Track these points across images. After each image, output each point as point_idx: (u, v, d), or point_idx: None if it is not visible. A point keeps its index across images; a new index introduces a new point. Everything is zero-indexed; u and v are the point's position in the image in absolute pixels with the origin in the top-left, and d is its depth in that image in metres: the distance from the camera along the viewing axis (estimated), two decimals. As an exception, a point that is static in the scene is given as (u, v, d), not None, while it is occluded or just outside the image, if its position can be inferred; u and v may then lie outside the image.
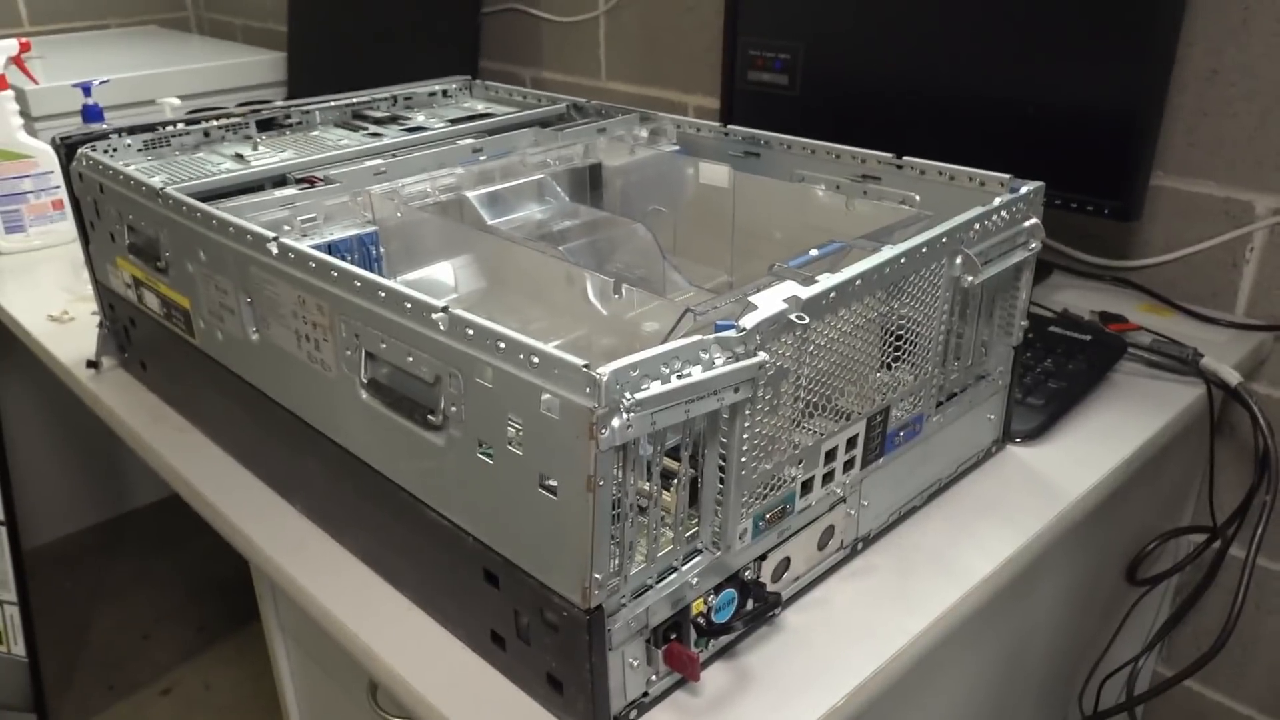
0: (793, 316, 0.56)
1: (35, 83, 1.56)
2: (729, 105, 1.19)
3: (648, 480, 0.55)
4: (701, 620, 0.60)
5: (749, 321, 0.54)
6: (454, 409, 0.58)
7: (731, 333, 0.54)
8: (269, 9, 2.19)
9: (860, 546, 0.72)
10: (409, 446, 0.63)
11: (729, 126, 0.91)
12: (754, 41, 1.16)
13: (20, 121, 1.29)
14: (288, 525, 0.77)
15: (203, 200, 0.78)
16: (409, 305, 0.59)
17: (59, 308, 1.14)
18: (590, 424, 0.49)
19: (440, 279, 0.84)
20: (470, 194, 0.88)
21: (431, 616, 0.68)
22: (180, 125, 0.94)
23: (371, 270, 0.77)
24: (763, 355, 0.55)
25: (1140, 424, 0.86)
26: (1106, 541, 0.94)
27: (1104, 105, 0.93)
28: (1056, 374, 0.91)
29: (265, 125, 0.99)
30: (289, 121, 1.00)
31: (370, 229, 0.84)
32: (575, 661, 0.56)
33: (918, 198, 0.80)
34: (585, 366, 0.49)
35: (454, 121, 1.01)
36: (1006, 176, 0.74)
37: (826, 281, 0.59)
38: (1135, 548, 1.01)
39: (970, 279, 0.68)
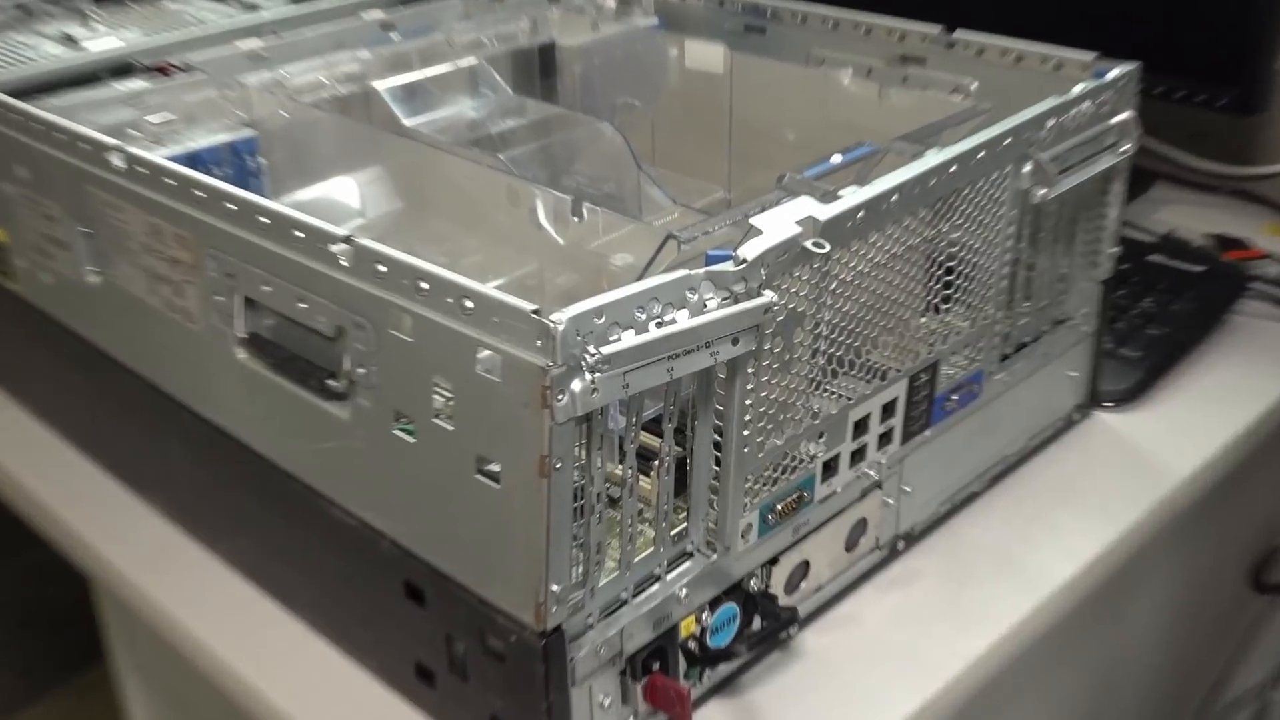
0: (809, 244, 0.57)
1: None
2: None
3: (620, 462, 0.55)
4: (693, 645, 0.61)
5: (751, 250, 0.54)
6: (362, 371, 0.58)
7: (728, 265, 0.54)
8: None
9: (901, 546, 0.73)
10: (303, 422, 0.63)
11: (724, -8, 0.91)
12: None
13: None
14: (142, 530, 0.77)
15: (20, 97, 0.77)
16: (300, 234, 0.59)
17: None
18: (543, 388, 0.49)
19: (341, 199, 0.83)
20: (380, 85, 0.87)
21: (336, 646, 0.68)
22: (-15, -4, 0.93)
23: (249, 188, 0.77)
24: (769, 295, 0.55)
25: (1267, 382, 0.87)
26: (1223, 536, 0.96)
27: (1221, -40, 0.93)
28: (1158, 317, 0.92)
29: (101, -5, 0.98)
30: (133, -10, 0.99)
31: (246, 133, 0.83)
32: (527, 701, 0.56)
33: (974, 85, 0.80)
34: (535, 312, 0.49)
35: (356, -12, 1.01)
36: (1091, 56, 0.75)
37: (853, 197, 0.59)
38: (1261, 544, 1.03)
39: (1043, 192, 0.69)
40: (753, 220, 0.56)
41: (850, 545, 0.69)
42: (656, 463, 0.57)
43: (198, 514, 0.76)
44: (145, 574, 0.74)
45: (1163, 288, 0.95)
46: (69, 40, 0.90)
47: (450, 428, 0.54)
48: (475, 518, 0.55)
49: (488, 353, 0.51)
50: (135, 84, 0.83)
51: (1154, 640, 0.91)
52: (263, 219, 0.60)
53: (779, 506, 0.62)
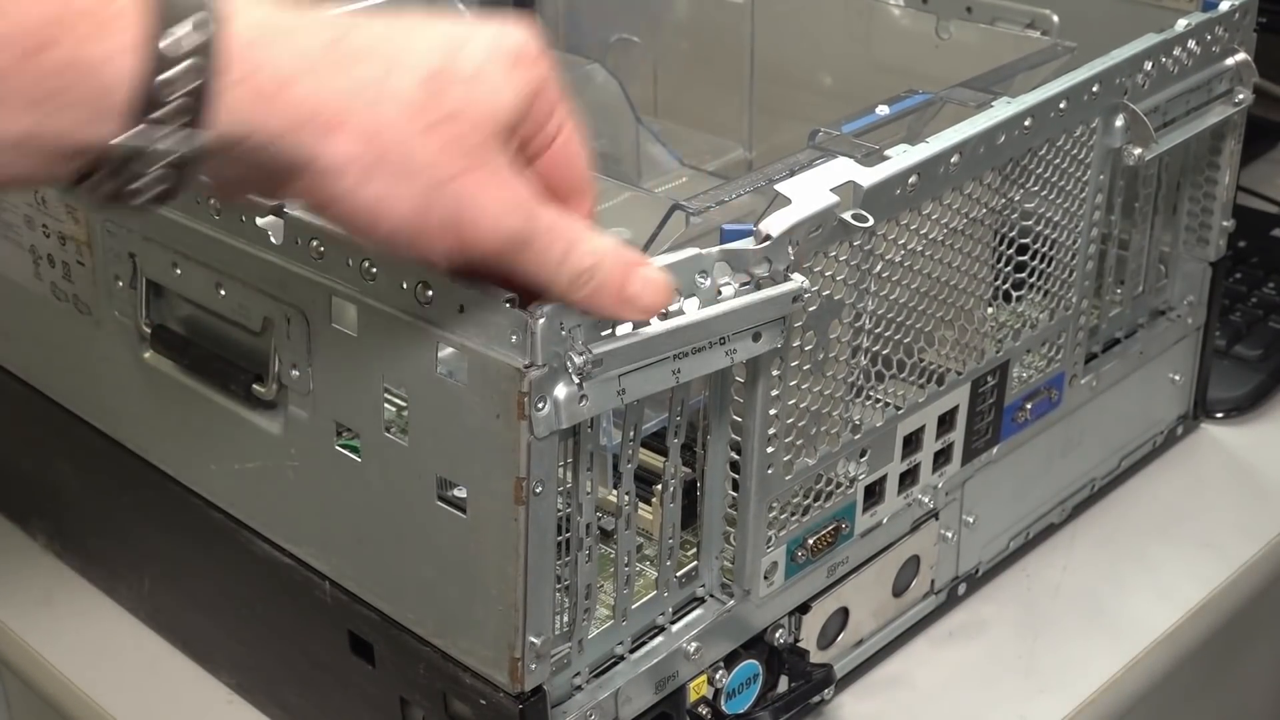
0: (848, 216, 0.57)
1: None
2: None
3: (615, 486, 0.56)
4: (705, 711, 0.61)
5: (777, 225, 0.55)
6: (295, 374, 0.58)
7: (749, 243, 0.54)
8: None
9: (962, 590, 0.73)
10: (223, 436, 0.63)
11: (744, -97, 0.91)
12: None
13: None
14: (24, 568, 0.77)
15: None
16: (218, 204, 0.59)
17: None
18: (519, 394, 0.49)
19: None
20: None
21: (265, 713, 0.68)
22: None
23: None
24: (800, 280, 0.55)
25: None
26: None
27: None
28: (1281, 307, 0.92)
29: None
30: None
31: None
32: (501, 781, 0.56)
33: (1055, 19, 0.80)
34: (509, 301, 0.49)
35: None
36: (1198, -18, 0.75)
37: (903, 158, 0.60)
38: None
39: (1139, 153, 0.69)
40: (778, 187, 0.57)
41: (899, 590, 0.69)
42: (660, 487, 0.58)
43: (91, 549, 0.76)
44: (24, 619, 0.74)
45: (1287, 270, 0.95)
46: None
47: (405, 444, 0.54)
48: (436, 554, 0.55)
49: (451, 351, 0.51)
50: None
51: (1274, 705, 0.92)
52: (172, 185, 0.60)
53: (811, 541, 0.63)
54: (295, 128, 0.42)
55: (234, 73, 0.41)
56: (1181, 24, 0.71)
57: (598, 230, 0.49)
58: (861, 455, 0.63)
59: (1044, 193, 0.66)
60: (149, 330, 0.65)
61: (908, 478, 0.67)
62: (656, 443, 0.59)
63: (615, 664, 0.58)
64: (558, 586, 0.54)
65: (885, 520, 0.66)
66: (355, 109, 0.43)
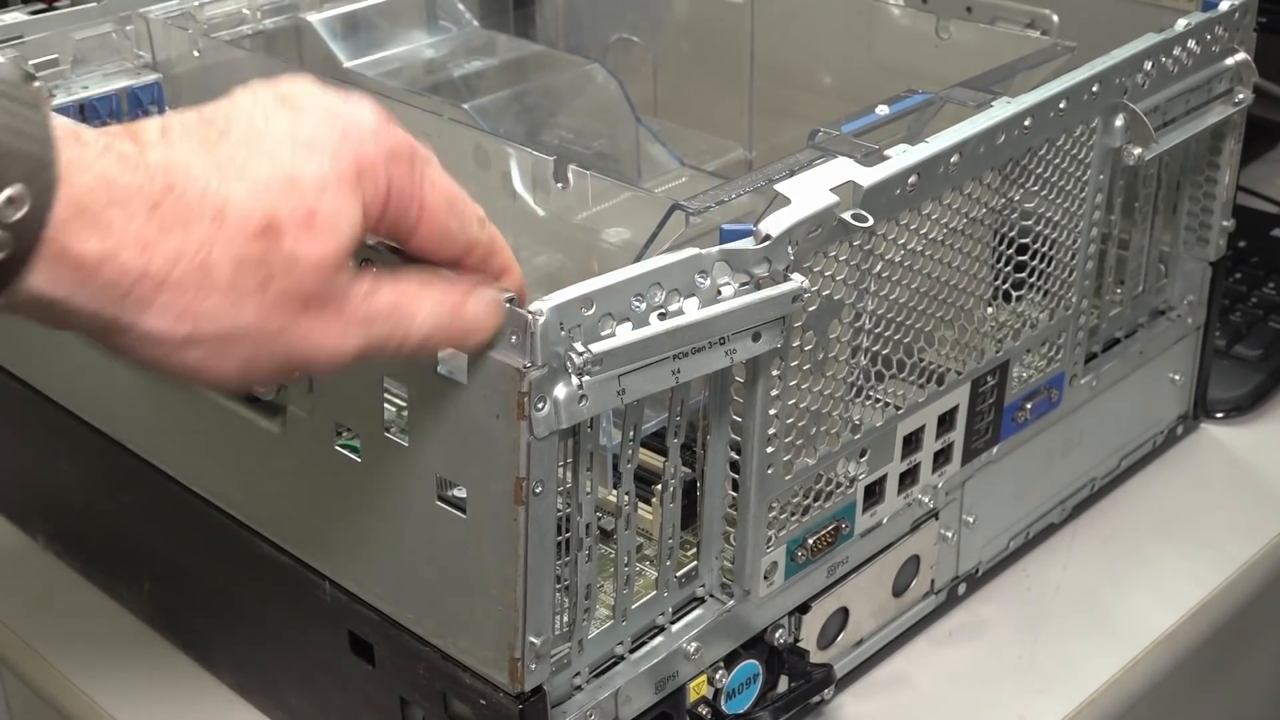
0: (848, 216, 0.57)
1: None
2: None
3: (614, 486, 0.56)
4: (705, 711, 0.61)
5: (777, 225, 0.55)
6: (295, 373, 0.58)
7: (748, 243, 0.54)
8: None
9: (962, 590, 0.73)
10: (223, 436, 0.63)
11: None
12: None
13: None
14: (23, 567, 0.77)
15: None
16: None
17: None
18: (519, 394, 0.49)
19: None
20: (314, 17, 0.87)
21: (265, 713, 0.68)
22: None
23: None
24: (799, 280, 0.55)
25: None
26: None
27: None
28: (1282, 306, 0.92)
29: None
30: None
31: (150, 78, 0.83)
32: (500, 781, 0.57)
33: (1055, 19, 0.80)
34: (509, 300, 0.49)
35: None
36: (1198, -19, 0.75)
37: (903, 158, 0.60)
38: None
39: (1139, 152, 0.69)
40: (778, 187, 0.57)
41: (899, 590, 0.69)
42: (659, 487, 0.58)
43: (90, 548, 0.76)
44: (23, 619, 0.74)
45: (1287, 269, 0.95)
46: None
47: (404, 444, 0.54)
48: (436, 554, 0.55)
49: (450, 350, 0.51)
50: (11, 16, 0.83)
51: (1275, 707, 0.92)
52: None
53: (811, 541, 0.63)
54: (114, 301, 0.41)
55: (54, 245, 0.39)
56: (1181, 24, 0.71)
57: (427, 279, 0.47)
58: (861, 455, 0.63)
59: (1044, 193, 0.67)
60: (148, 330, 0.65)
61: (908, 478, 0.67)
62: (656, 443, 0.59)
63: (615, 664, 0.58)
64: (558, 586, 0.54)
65: (885, 520, 0.66)
66: (177, 283, 0.41)
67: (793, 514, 0.61)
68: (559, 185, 0.69)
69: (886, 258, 0.60)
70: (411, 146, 0.46)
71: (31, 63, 0.81)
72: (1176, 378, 0.82)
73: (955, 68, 0.73)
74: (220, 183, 0.42)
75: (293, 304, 0.43)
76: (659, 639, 0.59)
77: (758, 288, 0.54)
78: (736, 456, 0.58)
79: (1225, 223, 0.79)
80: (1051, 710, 0.67)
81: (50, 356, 0.72)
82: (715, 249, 0.53)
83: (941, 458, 0.68)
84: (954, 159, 0.61)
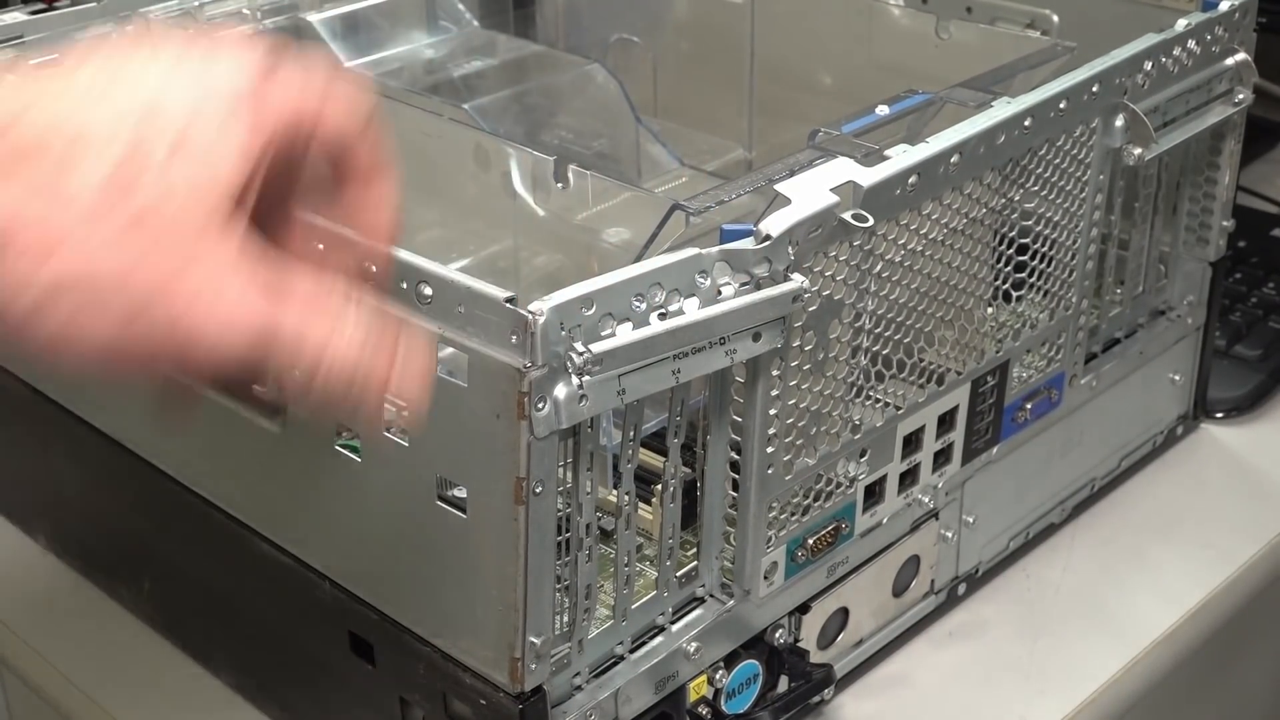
0: (848, 216, 0.57)
1: None
2: None
3: (615, 486, 0.56)
4: (705, 711, 0.61)
5: (777, 225, 0.55)
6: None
7: (748, 243, 0.54)
8: None
9: (962, 590, 0.73)
10: (223, 436, 0.63)
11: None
12: None
13: None
14: (23, 567, 0.77)
15: None
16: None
17: None
18: (519, 394, 0.49)
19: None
20: (314, 17, 0.87)
21: (265, 713, 0.68)
22: None
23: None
24: (799, 280, 0.55)
25: None
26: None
27: None
28: (1282, 307, 0.92)
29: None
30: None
31: (150, 78, 0.83)
32: (501, 780, 0.57)
33: (1055, 19, 0.80)
34: (510, 300, 0.49)
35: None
36: (1198, -18, 0.75)
37: (903, 158, 0.60)
38: None
39: (1139, 152, 0.69)
40: (778, 187, 0.57)
41: (899, 590, 0.70)
42: (660, 487, 0.58)
43: (91, 550, 0.76)
44: (25, 621, 0.74)
45: (1287, 269, 0.95)
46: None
47: (404, 444, 0.54)
48: (436, 554, 0.55)
49: (450, 350, 0.51)
50: (11, 16, 0.83)
51: (1274, 707, 0.92)
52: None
53: (811, 541, 0.63)
54: None
55: None
56: (1181, 24, 0.71)
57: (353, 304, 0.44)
58: (861, 455, 0.63)
59: (1044, 193, 0.67)
60: (148, 330, 0.65)
61: (908, 478, 0.67)
62: (656, 443, 0.59)
63: (615, 664, 0.58)
64: (558, 586, 0.54)
65: (885, 520, 0.66)
66: (25, 221, 0.37)
67: (793, 514, 0.61)
68: (559, 185, 0.69)
69: (887, 258, 0.60)
70: (311, 95, 0.42)
71: (32, 63, 0.81)
72: (1176, 378, 0.82)
73: (955, 68, 0.73)
74: (71, 113, 0.38)
75: (164, 257, 0.38)
76: (659, 639, 0.59)
77: (758, 288, 0.54)
78: (736, 456, 0.58)
79: (1225, 223, 0.79)
80: (1051, 710, 0.67)
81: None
82: (715, 249, 0.53)
83: (941, 458, 0.68)
84: (954, 159, 0.61)
